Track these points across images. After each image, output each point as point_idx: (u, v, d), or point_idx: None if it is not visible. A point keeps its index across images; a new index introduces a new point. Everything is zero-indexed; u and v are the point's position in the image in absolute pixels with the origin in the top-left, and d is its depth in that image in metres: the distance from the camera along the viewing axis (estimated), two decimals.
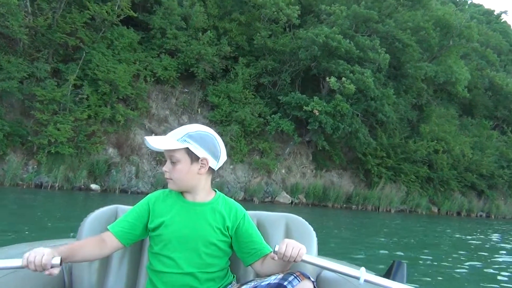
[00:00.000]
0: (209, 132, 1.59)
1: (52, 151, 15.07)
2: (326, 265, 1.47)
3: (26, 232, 6.46)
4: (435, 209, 23.24)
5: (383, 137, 22.19)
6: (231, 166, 18.84)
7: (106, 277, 1.70)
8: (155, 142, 1.53)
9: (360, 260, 7.24)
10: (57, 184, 15.05)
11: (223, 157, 1.62)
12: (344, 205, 20.67)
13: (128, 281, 1.71)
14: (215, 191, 1.68)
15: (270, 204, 18.42)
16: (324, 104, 18.96)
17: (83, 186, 15.68)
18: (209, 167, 1.58)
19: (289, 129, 19.19)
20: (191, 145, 1.52)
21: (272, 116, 19.47)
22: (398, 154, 22.25)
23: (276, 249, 1.42)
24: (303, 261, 1.43)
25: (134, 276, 1.73)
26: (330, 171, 21.55)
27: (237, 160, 18.94)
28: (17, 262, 1.25)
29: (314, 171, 21.05)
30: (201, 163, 1.55)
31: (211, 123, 19.44)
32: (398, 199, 21.43)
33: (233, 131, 18.73)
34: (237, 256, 1.65)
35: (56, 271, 1.28)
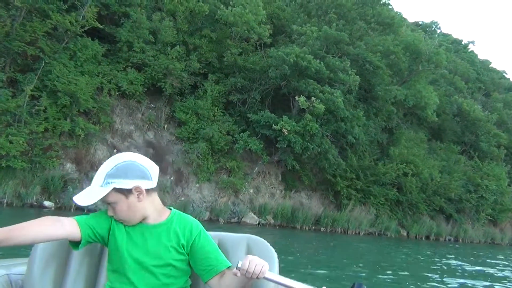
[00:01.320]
0: (127, 159, 1.54)
1: (3, 164, 14.27)
2: (288, 283, 1.45)
3: None
4: (404, 233, 23.30)
5: (353, 159, 22.27)
6: (197, 185, 18.38)
7: None
8: (82, 199, 1.49)
9: (323, 280, 7.00)
10: (5, 200, 14.20)
11: (155, 172, 1.59)
12: (313, 227, 20.44)
13: None
14: (170, 209, 1.67)
15: (237, 224, 17.99)
16: (294, 123, 18.91)
17: (35, 203, 14.86)
18: (146, 190, 1.56)
19: (257, 148, 18.97)
20: (115, 183, 1.49)
21: (241, 134, 19.25)
22: (367, 176, 22.33)
23: (239, 265, 1.42)
24: (265, 278, 1.43)
25: None
26: (299, 192, 21.36)
27: (203, 178, 18.51)
28: None
29: (283, 192, 20.81)
30: (136, 192, 1.53)
31: (178, 140, 19.05)
32: (367, 222, 21.38)
33: (200, 149, 18.36)
34: (195, 273, 1.63)
35: None
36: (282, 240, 14.49)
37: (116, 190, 1.51)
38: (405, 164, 23.05)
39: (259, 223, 19.05)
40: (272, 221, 19.62)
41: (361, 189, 21.84)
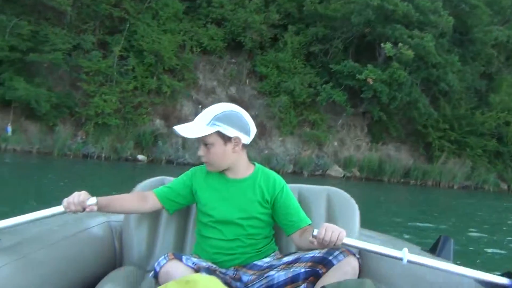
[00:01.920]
0: (235, 109, 1.60)
1: (100, 122, 15.35)
2: (368, 248, 1.44)
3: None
4: (505, 186, 21.36)
5: (446, 108, 20.62)
6: (280, 139, 18.31)
7: (154, 243, 1.78)
8: (186, 131, 1.56)
9: (409, 233, 6.58)
10: (103, 155, 15.33)
11: (253, 130, 1.65)
12: (402, 180, 19.53)
13: (175, 245, 1.79)
14: (254, 164, 1.71)
15: (321, 177, 17.75)
16: (379, 72, 17.83)
17: (129, 157, 15.90)
18: (242, 144, 1.61)
19: (341, 99, 18.28)
20: (221, 128, 1.54)
21: (323, 86, 18.62)
22: (463, 127, 20.60)
23: (315, 233, 1.40)
24: (343, 244, 1.41)
25: (181, 242, 1.81)
26: (386, 144, 20.42)
27: (286, 132, 18.38)
28: (59, 209, 1.37)
29: (369, 144, 20.04)
30: (234, 142, 1.58)
31: (260, 94, 18.98)
32: (462, 175, 19.91)
33: (282, 102, 18.15)
34: (278, 226, 1.69)
35: (94, 208, 1.42)
36: (367, 193, 14.05)
37: (218, 134, 1.56)
38: (506, 112, 20.87)
39: (344, 176, 18.66)
40: (357, 173, 19.10)
41: (455, 140, 20.26)
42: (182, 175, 1.74)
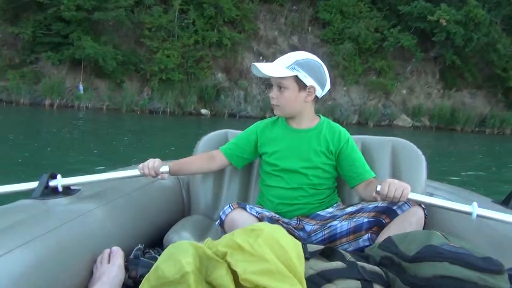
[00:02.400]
0: (317, 60, 1.58)
1: (163, 77, 15.65)
2: (434, 203, 1.40)
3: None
4: None
5: None
6: (344, 88, 17.71)
7: (219, 194, 1.86)
8: (264, 69, 1.54)
9: (480, 185, 6.12)
10: (168, 110, 15.73)
11: (328, 85, 1.63)
12: (476, 129, 18.38)
13: (239, 196, 1.85)
14: (319, 117, 1.71)
15: (387, 128, 17.10)
16: (454, 11, 16.39)
17: (193, 111, 16.20)
18: (315, 96, 1.60)
19: (410, 44, 17.15)
20: (300, 73, 1.53)
21: (391, 30, 17.53)
22: None
23: (378, 189, 1.37)
24: (408, 199, 1.36)
25: (245, 192, 1.87)
26: (460, 90, 19.11)
27: (350, 81, 17.71)
28: (133, 172, 1.50)
29: (441, 91, 18.89)
30: (308, 91, 1.57)
31: (322, 42, 18.29)
32: None
33: (346, 50, 17.40)
34: (342, 179, 1.68)
35: (165, 176, 1.52)
36: (437, 143, 13.32)
37: (296, 79, 1.54)
38: None
39: (412, 126, 17.86)
40: (427, 123, 18.19)
41: None
42: (246, 130, 1.76)
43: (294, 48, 17.52)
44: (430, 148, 10.73)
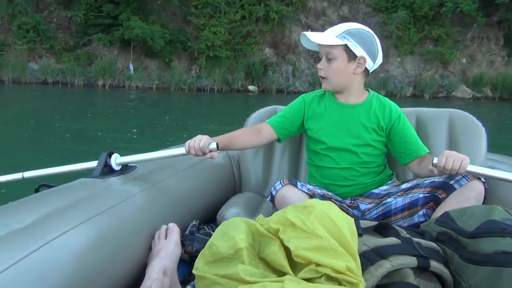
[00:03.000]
0: (369, 31, 1.54)
1: (211, 55, 15.78)
2: (495, 175, 1.33)
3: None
4: None
5: None
6: (398, 59, 17.05)
7: (270, 171, 1.90)
8: (313, 37, 1.51)
9: None
10: (216, 87, 15.93)
11: (380, 59, 1.57)
12: None
13: (289, 174, 1.87)
14: (368, 91, 1.65)
15: (445, 100, 16.35)
16: None
17: (241, 88, 16.29)
18: (365, 68, 1.54)
19: (470, 8, 16.13)
20: (350, 43, 1.48)
21: None
22: None
23: (435, 161, 1.32)
24: (467, 172, 1.32)
25: (295, 170, 1.90)
26: None
27: (405, 51, 17.01)
28: (181, 150, 1.47)
29: (505, 59, 17.71)
30: (358, 63, 1.51)
31: (375, 11, 17.63)
32: None
33: (400, 18, 16.66)
34: (392, 154, 1.64)
35: (215, 154, 1.45)
36: (500, 115, 12.60)
37: (345, 48, 1.49)
38: None
39: (472, 97, 16.98)
40: (489, 93, 17.19)
41: None
42: (293, 102, 1.73)
43: (344, 19, 17.02)
44: (492, 121, 10.19)
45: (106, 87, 15.64)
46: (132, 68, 15.93)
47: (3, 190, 3.67)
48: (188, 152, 1.47)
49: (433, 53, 17.01)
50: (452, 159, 1.29)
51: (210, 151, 1.45)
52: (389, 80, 16.65)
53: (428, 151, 1.56)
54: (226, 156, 1.97)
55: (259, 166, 1.91)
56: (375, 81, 16.12)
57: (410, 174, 1.73)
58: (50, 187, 1.31)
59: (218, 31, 15.68)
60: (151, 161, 1.55)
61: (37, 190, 1.30)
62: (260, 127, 1.69)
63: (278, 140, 1.71)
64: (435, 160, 1.33)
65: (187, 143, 1.47)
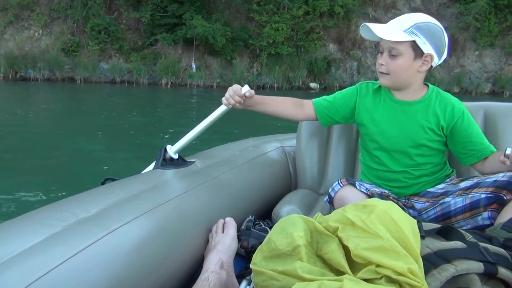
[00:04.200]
0: (438, 24, 1.44)
1: (272, 52, 15.89)
2: None
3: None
4: None
5: None
6: (476, 53, 16.16)
7: (325, 168, 1.90)
8: (377, 30, 1.40)
9: None
10: (276, 84, 16.05)
11: (445, 55, 1.47)
12: None
13: (345, 171, 1.88)
14: (427, 86, 1.55)
15: None
16: None
17: (302, 85, 16.26)
18: (430, 65, 1.45)
19: None
20: (418, 39, 1.39)
21: None
22: None
23: (508, 152, 1.30)
24: None
25: (351, 167, 1.89)
26: None
27: (484, 44, 16.09)
28: (222, 108, 1.53)
29: None
30: (424, 60, 1.42)
31: (450, 2, 16.84)
32: None
33: (479, 8, 15.78)
34: (453, 155, 1.57)
35: (252, 93, 1.50)
36: None
37: (413, 45, 1.40)
38: None
39: None
40: None
41: None
42: (346, 89, 1.65)
43: (416, 11, 16.44)
44: None
45: (169, 86, 16.25)
46: (194, 66, 16.42)
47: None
48: (227, 103, 1.51)
49: None
50: None
51: (245, 94, 1.49)
52: (464, 75, 15.84)
53: (495, 151, 1.47)
54: (281, 152, 2.00)
55: (314, 163, 1.91)
56: (449, 77, 15.43)
57: (473, 171, 1.64)
58: (114, 180, 1.40)
59: (280, 28, 15.74)
60: (210, 156, 1.65)
61: (103, 183, 1.40)
62: (303, 102, 1.66)
63: (322, 124, 1.69)
64: (508, 151, 1.29)
65: (223, 99, 1.53)
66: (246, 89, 1.50)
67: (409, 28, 1.40)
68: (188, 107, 11.63)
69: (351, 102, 1.60)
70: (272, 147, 1.99)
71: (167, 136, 6.97)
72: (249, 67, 16.51)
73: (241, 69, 16.10)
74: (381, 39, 1.42)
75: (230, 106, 1.52)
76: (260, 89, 16.05)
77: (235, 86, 1.51)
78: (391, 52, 1.43)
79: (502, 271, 0.87)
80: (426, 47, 1.41)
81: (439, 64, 1.48)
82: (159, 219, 1.11)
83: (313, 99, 1.64)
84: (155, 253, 1.03)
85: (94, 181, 1.47)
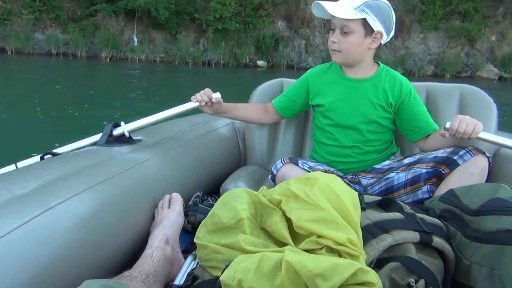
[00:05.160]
0: (386, 1, 1.52)
1: (219, 27, 15.68)
2: (507, 143, 1.39)
3: None
4: None
5: None
6: (421, 35, 16.77)
7: (275, 145, 1.96)
8: (330, 8, 1.47)
9: None
10: (222, 61, 15.93)
11: (393, 32, 1.57)
12: None
13: (294, 148, 1.95)
14: (378, 64, 1.65)
15: (468, 79, 16.08)
16: None
17: (249, 63, 16.24)
18: (379, 43, 1.55)
19: None
20: (369, 16, 1.47)
21: None
22: None
23: (448, 125, 1.37)
24: (478, 138, 1.36)
25: (300, 145, 1.96)
26: None
27: (429, 26, 16.71)
28: (190, 104, 1.61)
29: None
30: (374, 37, 1.52)
31: None
32: None
33: None
34: (399, 132, 1.67)
35: (219, 99, 1.61)
36: None
37: (363, 22, 1.48)
38: None
39: (500, 78, 16.73)
40: None
41: None
42: (297, 81, 1.78)
43: None
44: (509, 99, 10.10)
45: (108, 59, 15.66)
46: (136, 39, 15.86)
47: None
48: (196, 100, 1.60)
49: (459, 29, 16.70)
50: (465, 123, 1.33)
51: (216, 98, 1.60)
52: (409, 57, 16.43)
53: (438, 129, 1.57)
54: (231, 128, 2.04)
55: (264, 140, 1.97)
56: (394, 58, 15.94)
57: (416, 149, 1.76)
58: (55, 155, 1.37)
59: (227, 2, 15.52)
60: (158, 131, 1.66)
61: (42, 158, 1.37)
62: (267, 107, 1.81)
63: (286, 117, 1.82)
64: (448, 124, 1.36)
65: (193, 96, 1.62)
66: (216, 95, 1.61)
67: (359, 6, 1.47)
68: (128, 81, 11.30)
69: (303, 91, 1.73)
70: (223, 123, 2.03)
71: (105, 112, 6.79)
72: (195, 42, 16.19)
73: (186, 44, 15.74)
74: (333, 17, 1.48)
75: (196, 101, 1.61)
76: (205, 65, 15.85)
77: (209, 89, 1.63)
78: (343, 29, 1.50)
79: (437, 240, 0.93)
80: (376, 25, 1.49)
81: (385, 45, 1.53)
82: (101, 195, 1.10)
83: (272, 101, 1.80)
84: (97, 230, 1.03)
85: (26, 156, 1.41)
